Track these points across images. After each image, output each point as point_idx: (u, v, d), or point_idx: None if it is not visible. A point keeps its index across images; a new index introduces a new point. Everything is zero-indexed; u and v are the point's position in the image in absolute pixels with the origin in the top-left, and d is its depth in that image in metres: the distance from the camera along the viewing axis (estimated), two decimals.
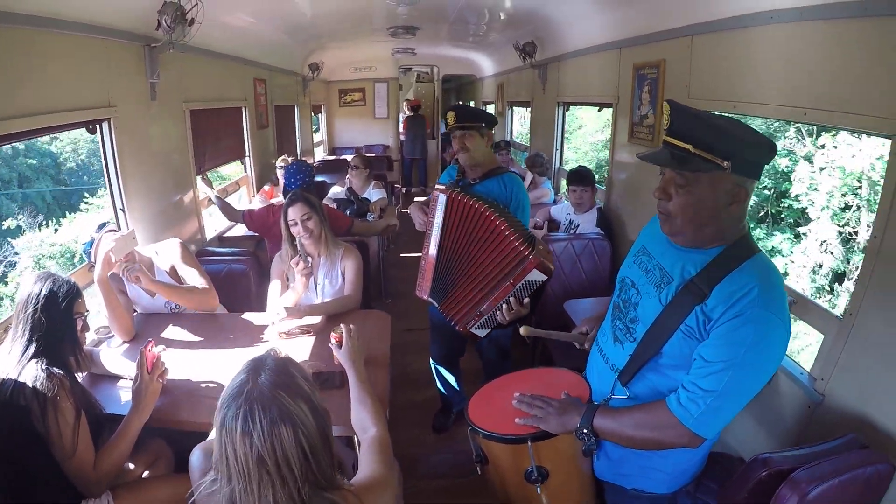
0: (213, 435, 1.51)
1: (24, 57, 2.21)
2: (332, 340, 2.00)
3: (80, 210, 17.26)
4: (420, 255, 2.41)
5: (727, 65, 2.63)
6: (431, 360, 3.19)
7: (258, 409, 1.05)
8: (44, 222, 16.66)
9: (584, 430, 1.45)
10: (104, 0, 2.59)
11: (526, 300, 2.19)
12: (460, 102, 14.32)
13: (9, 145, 10.98)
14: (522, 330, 1.90)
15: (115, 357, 2.29)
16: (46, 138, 16.50)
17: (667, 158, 1.31)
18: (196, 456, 1.38)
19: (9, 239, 15.35)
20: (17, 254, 14.97)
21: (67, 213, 17.32)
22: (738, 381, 1.27)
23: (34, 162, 18.75)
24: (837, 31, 1.97)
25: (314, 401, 1.12)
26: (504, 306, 2.20)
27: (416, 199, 2.52)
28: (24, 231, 16.16)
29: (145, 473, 2.15)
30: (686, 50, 2.93)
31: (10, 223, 16.30)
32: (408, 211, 2.88)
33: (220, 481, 1.11)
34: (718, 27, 2.63)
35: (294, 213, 2.71)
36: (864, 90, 1.87)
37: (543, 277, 2.13)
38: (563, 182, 5.28)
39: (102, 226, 2.52)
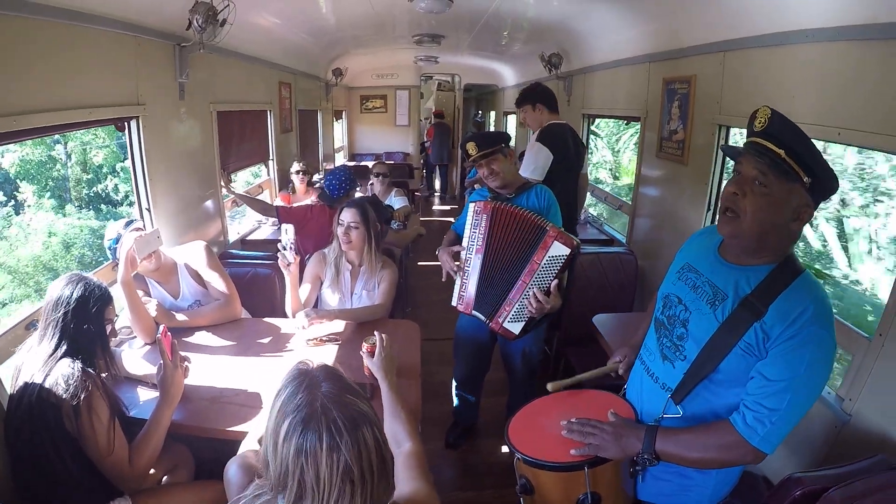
0: (244, 448, 1.48)
1: (57, 50, 2.20)
2: (364, 350, 1.96)
3: None
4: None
5: (760, 81, 2.61)
6: (453, 381, 3.16)
7: (340, 418, 0.98)
8: None
9: (646, 456, 1.45)
10: None
11: (554, 282, 2.24)
12: (480, 112, 14.42)
13: None
14: (549, 386, 1.83)
15: (136, 359, 2.27)
16: None
17: (758, 155, 1.32)
18: (232, 471, 1.35)
19: None
20: None
21: None
22: (799, 398, 1.33)
23: None
24: (874, 52, 1.95)
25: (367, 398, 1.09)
26: (533, 293, 2.25)
27: (443, 246, 2.51)
28: None
29: (164, 479, 2.12)
30: (718, 66, 2.91)
31: None
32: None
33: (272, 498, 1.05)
34: (752, 44, 2.61)
35: (347, 216, 2.75)
36: None
37: (566, 250, 2.20)
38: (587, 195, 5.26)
39: (130, 223, 2.46)
